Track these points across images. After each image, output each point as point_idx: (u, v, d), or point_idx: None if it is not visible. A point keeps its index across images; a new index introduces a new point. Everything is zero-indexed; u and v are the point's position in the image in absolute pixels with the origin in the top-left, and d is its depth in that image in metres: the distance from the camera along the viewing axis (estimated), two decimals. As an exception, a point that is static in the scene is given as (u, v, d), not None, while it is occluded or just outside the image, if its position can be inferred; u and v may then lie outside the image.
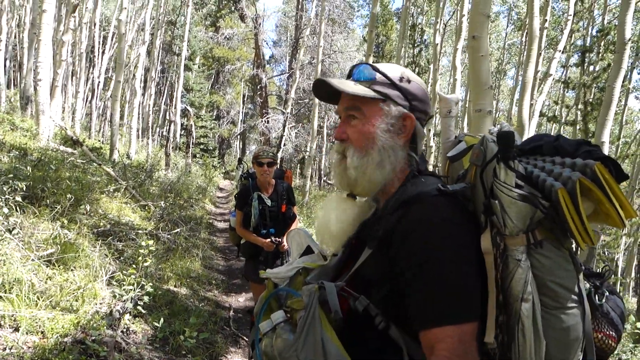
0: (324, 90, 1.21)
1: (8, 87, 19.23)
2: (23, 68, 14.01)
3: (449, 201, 1.04)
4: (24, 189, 4.42)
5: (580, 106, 13.51)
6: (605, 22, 14.41)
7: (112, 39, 20.65)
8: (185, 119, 20.66)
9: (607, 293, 1.16)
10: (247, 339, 4.27)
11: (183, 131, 24.15)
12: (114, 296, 3.77)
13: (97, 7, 18.98)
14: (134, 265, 4.25)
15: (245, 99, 34.09)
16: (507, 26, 24.45)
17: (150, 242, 4.56)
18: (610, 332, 1.12)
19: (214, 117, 30.54)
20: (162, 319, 3.83)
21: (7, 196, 4.12)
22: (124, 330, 3.50)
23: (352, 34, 28.90)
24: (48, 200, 4.88)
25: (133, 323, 3.70)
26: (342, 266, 1.22)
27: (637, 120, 29.07)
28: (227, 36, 23.35)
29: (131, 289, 3.79)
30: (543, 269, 0.94)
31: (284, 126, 18.20)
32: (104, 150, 12.32)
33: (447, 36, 20.09)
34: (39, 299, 3.23)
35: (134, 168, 10.82)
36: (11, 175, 4.55)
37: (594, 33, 15.16)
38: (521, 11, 20.81)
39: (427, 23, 21.41)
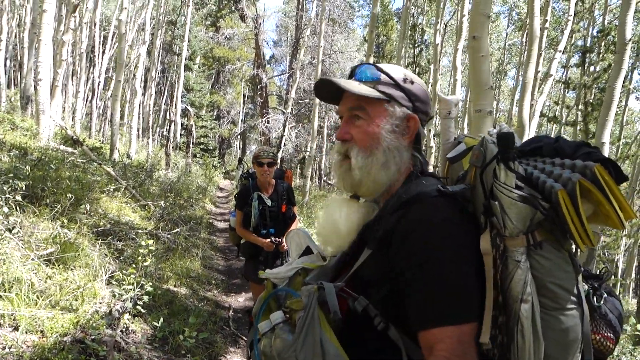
0: (326, 90, 1.21)
1: (8, 86, 19.23)
2: (23, 68, 14.01)
3: (449, 202, 1.04)
4: (24, 188, 4.42)
5: (580, 107, 13.51)
6: (606, 22, 14.42)
7: (112, 39, 20.67)
8: (186, 118, 20.66)
9: (605, 295, 1.16)
10: (246, 339, 4.27)
11: (183, 131, 24.14)
12: (114, 296, 3.77)
13: (98, 7, 18.98)
14: (133, 265, 4.25)
15: (246, 99, 34.10)
16: (508, 26, 24.48)
17: (150, 241, 4.56)
18: (608, 334, 1.12)
19: (214, 117, 30.54)
20: (161, 319, 3.83)
21: (7, 195, 4.12)
22: (124, 329, 3.50)
23: (353, 34, 28.91)
24: (48, 200, 4.88)
25: (132, 322, 3.70)
26: (342, 267, 1.22)
27: (637, 121, 29.07)
28: (228, 36, 23.35)
29: (131, 289, 3.79)
30: (542, 270, 0.94)
31: (284, 126, 18.20)
32: (104, 149, 12.32)
33: (447, 36, 20.10)
34: (38, 298, 3.23)
35: (134, 168, 10.82)
36: (11, 175, 4.55)
37: (595, 33, 15.16)
38: (522, 11, 20.81)
39: (427, 23, 21.41)
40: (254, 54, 21.74)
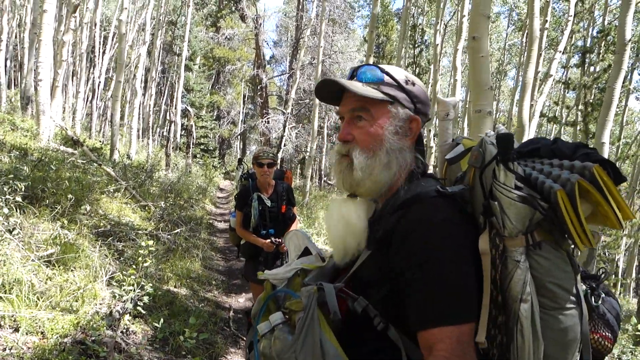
0: (327, 91, 1.21)
1: (9, 87, 19.24)
2: (24, 68, 14.01)
3: (448, 202, 1.05)
4: (24, 189, 4.42)
5: (580, 107, 13.52)
6: (606, 23, 14.42)
7: (112, 39, 20.69)
8: (186, 119, 20.65)
9: (603, 295, 1.17)
10: (246, 340, 4.27)
11: (183, 131, 24.13)
12: (114, 296, 3.77)
13: (98, 7, 19.00)
14: (134, 266, 4.25)
15: (246, 99, 34.09)
16: (508, 27, 24.47)
17: (150, 242, 4.56)
18: (607, 334, 1.13)
19: (215, 117, 30.52)
20: (162, 320, 3.83)
21: (7, 196, 4.12)
22: (124, 330, 3.50)
23: (353, 35, 28.90)
24: (48, 201, 4.88)
25: (133, 323, 3.70)
26: (340, 267, 1.22)
27: (637, 121, 29.06)
28: (228, 36, 23.36)
29: (131, 290, 3.79)
30: (542, 270, 0.94)
31: (285, 126, 18.19)
32: (104, 150, 12.32)
33: (447, 37, 20.10)
34: (38, 299, 3.23)
35: (134, 168, 10.82)
36: (11, 176, 4.55)
37: (595, 34, 15.18)
38: (522, 12, 20.80)
39: (427, 23, 21.42)
40: (254, 54, 21.74)
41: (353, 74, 1.20)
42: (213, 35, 24.71)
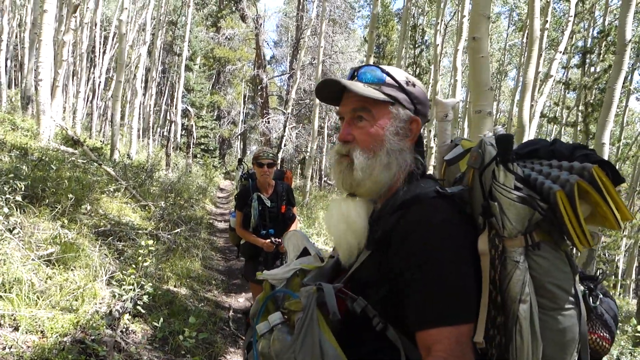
0: (328, 91, 1.21)
1: (9, 86, 19.25)
2: (24, 68, 14.02)
3: (448, 203, 1.05)
4: (23, 188, 4.42)
5: (581, 107, 13.52)
6: (606, 23, 14.42)
7: (113, 39, 20.68)
8: (186, 119, 20.66)
9: (601, 295, 1.17)
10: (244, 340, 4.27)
11: (184, 131, 24.15)
12: (114, 296, 3.77)
13: (98, 7, 19.01)
14: (133, 265, 4.25)
15: (246, 99, 34.10)
16: (508, 27, 24.46)
17: (150, 242, 4.57)
18: (604, 334, 1.13)
19: (215, 117, 30.54)
20: (161, 319, 3.83)
21: (7, 196, 4.12)
22: (124, 330, 3.50)
23: (353, 35, 28.91)
24: (48, 200, 4.88)
25: (132, 323, 3.70)
26: (339, 268, 1.22)
27: (638, 121, 29.04)
28: (228, 36, 23.35)
29: (131, 289, 3.79)
30: (541, 271, 0.95)
31: (285, 126, 18.19)
32: (104, 150, 12.32)
33: (448, 37, 20.10)
34: (38, 298, 3.23)
35: (135, 168, 10.82)
36: (12, 175, 4.56)
37: (595, 34, 15.17)
38: (522, 12, 20.80)
39: (428, 24, 21.43)
40: (255, 55, 21.75)
41: (353, 75, 1.20)
42: (213, 35, 24.71)
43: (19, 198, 4.21)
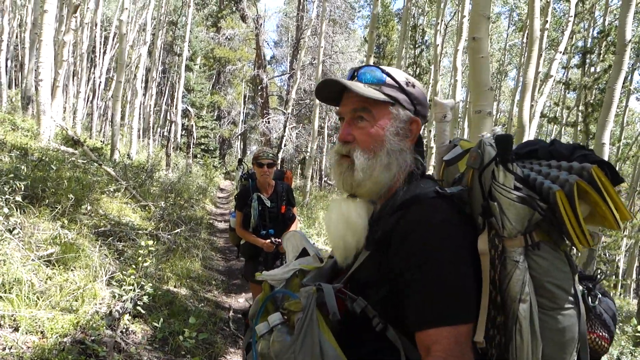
0: (327, 91, 1.22)
1: (9, 87, 19.26)
2: (24, 68, 14.02)
3: (447, 203, 1.05)
4: (22, 189, 4.42)
5: (581, 107, 13.53)
6: (606, 23, 14.42)
7: (113, 39, 20.70)
8: (186, 119, 20.66)
9: (599, 295, 1.17)
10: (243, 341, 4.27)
11: (184, 131, 24.15)
12: (114, 296, 3.77)
13: (99, 7, 19.02)
14: (133, 266, 4.25)
15: (246, 99, 34.11)
16: (508, 27, 24.46)
17: (150, 242, 4.56)
18: (603, 334, 1.14)
19: (215, 117, 30.55)
20: (161, 319, 3.83)
21: (7, 196, 4.12)
22: (124, 330, 3.50)
23: (353, 35, 28.90)
24: (48, 200, 4.88)
25: (132, 323, 3.70)
26: (338, 268, 1.22)
27: (638, 121, 29.03)
28: (228, 36, 23.36)
29: (131, 289, 3.79)
30: (540, 270, 0.95)
31: (285, 127, 18.20)
32: (104, 150, 12.33)
33: (448, 37, 20.11)
34: (38, 299, 3.23)
35: (135, 168, 10.82)
36: (12, 175, 4.56)
37: (595, 34, 15.17)
38: (522, 12, 20.80)
39: (428, 24, 21.43)
40: (255, 55, 21.76)
41: (353, 75, 1.20)
42: (214, 36, 24.73)
43: (19, 198, 4.21)
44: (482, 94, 3.56)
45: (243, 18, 22.16)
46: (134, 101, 15.90)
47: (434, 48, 14.66)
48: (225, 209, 13.22)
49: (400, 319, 1.01)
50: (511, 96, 21.05)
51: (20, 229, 3.95)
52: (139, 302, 3.73)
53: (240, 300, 5.62)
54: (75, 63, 17.79)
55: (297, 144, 21.31)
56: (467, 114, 15.83)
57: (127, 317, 3.61)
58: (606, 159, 6.58)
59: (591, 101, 12.79)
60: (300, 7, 21.38)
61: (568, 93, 18.70)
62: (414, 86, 1.19)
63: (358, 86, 1.14)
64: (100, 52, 20.83)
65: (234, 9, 25.35)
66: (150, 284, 4.05)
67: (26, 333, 2.89)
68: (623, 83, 6.12)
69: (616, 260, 18.13)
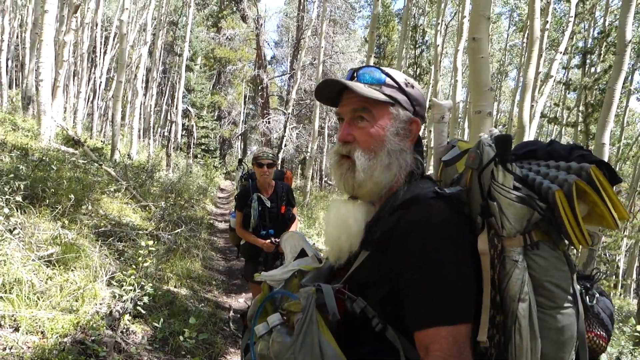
0: (327, 91, 1.22)
1: (10, 87, 19.28)
2: (25, 68, 14.04)
3: (447, 203, 1.05)
4: (22, 188, 4.42)
5: (581, 108, 13.53)
6: (607, 23, 14.42)
7: (113, 40, 20.72)
8: (187, 119, 20.65)
9: (597, 294, 1.18)
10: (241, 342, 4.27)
11: (184, 131, 24.15)
12: (114, 296, 3.77)
13: (99, 7, 19.04)
14: (134, 266, 4.26)
15: (247, 99, 34.11)
16: (509, 27, 24.46)
17: (151, 242, 4.57)
18: (601, 332, 1.14)
19: (216, 117, 30.54)
20: (161, 320, 3.83)
21: (8, 196, 4.13)
22: (124, 330, 3.50)
23: (354, 35, 28.90)
24: (49, 201, 4.89)
25: (133, 323, 3.70)
26: (337, 269, 1.23)
27: (638, 122, 29.02)
28: (229, 37, 23.38)
29: (131, 290, 3.79)
30: (539, 270, 0.95)
31: (285, 127, 18.19)
32: (105, 150, 12.33)
33: (448, 37, 20.09)
34: (39, 299, 3.24)
35: (135, 168, 10.83)
36: (12, 175, 4.56)
37: (595, 35, 15.17)
38: (523, 12, 20.80)
39: (428, 24, 21.43)
40: (255, 55, 21.77)
41: (353, 75, 1.20)
42: (214, 36, 24.75)
43: (19, 198, 4.22)
44: (482, 94, 3.57)
45: (243, 18, 22.18)
46: (135, 101, 15.92)
47: (434, 48, 14.65)
48: (225, 209, 13.23)
49: (399, 319, 1.01)
50: (511, 96, 21.05)
51: (21, 229, 3.95)
52: (139, 303, 3.73)
53: (241, 301, 5.62)
54: (75, 63, 17.82)
55: (297, 144, 21.32)
56: (467, 114, 15.83)
57: (127, 317, 3.61)
58: (606, 159, 6.58)
59: (591, 101, 12.79)
60: (301, 7, 21.38)
61: (568, 93, 18.70)
62: (412, 87, 1.19)
63: (359, 86, 1.14)
64: (100, 52, 20.86)
65: (234, 9, 25.37)
66: (151, 284, 4.05)
67: (26, 333, 2.90)
68: (623, 83, 6.12)
69: (616, 261, 18.10)
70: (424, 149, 1.24)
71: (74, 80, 17.99)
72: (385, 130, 1.15)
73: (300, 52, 18.93)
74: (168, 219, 7.16)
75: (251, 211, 3.77)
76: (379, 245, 1.07)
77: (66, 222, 4.69)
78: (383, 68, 1.19)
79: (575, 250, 1.00)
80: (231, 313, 5.00)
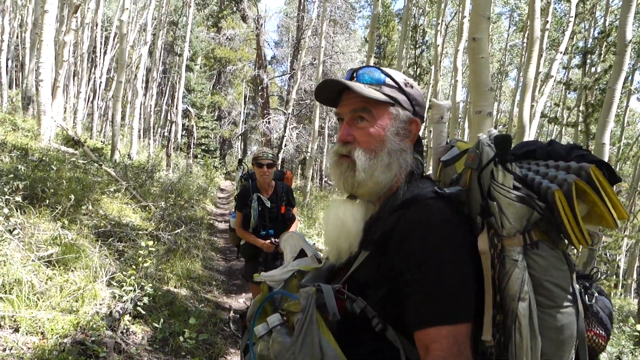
0: (327, 91, 1.22)
1: (10, 87, 19.29)
2: (25, 68, 14.04)
3: (446, 203, 1.06)
4: (22, 188, 4.42)
5: (581, 108, 13.53)
6: (607, 23, 14.41)
7: (113, 40, 20.73)
8: (187, 119, 20.66)
9: (596, 294, 1.18)
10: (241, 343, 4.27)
11: (184, 132, 24.15)
12: (114, 297, 3.77)
13: (99, 7, 19.04)
14: (134, 266, 4.25)
15: (247, 99, 34.12)
16: (509, 27, 24.46)
17: (151, 242, 4.56)
18: (600, 332, 1.15)
19: (216, 117, 30.54)
20: (161, 320, 3.83)
21: (7, 196, 4.12)
22: (124, 331, 3.50)
23: (354, 35, 28.90)
24: (49, 201, 4.89)
25: (133, 324, 3.70)
26: (336, 269, 1.22)
27: (638, 122, 29.02)
28: (229, 37, 23.39)
29: (131, 290, 3.79)
30: (539, 269, 0.96)
31: (285, 127, 18.19)
32: (105, 150, 12.34)
33: (448, 37, 20.08)
34: (39, 299, 3.23)
35: (135, 168, 10.83)
36: (12, 176, 4.56)
37: (596, 35, 15.17)
38: (523, 12, 20.80)
39: (428, 24, 21.43)
40: (255, 55, 21.77)
41: (353, 76, 1.20)
42: (214, 36, 24.76)
43: (19, 199, 4.22)
44: (482, 95, 3.56)
45: (244, 18, 22.18)
46: (135, 101, 15.91)
47: (434, 48, 14.66)
48: (225, 209, 13.22)
49: (399, 318, 1.01)
50: (512, 96, 21.04)
51: (21, 230, 3.95)
52: (139, 303, 3.73)
53: (241, 301, 5.62)
54: (75, 63, 17.82)
55: (297, 144, 21.32)
56: (467, 114, 15.82)
57: (127, 317, 3.61)
58: (606, 159, 6.58)
59: (592, 101, 12.79)
60: (301, 7, 21.38)
61: (569, 93, 18.71)
62: (412, 87, 1.20)
63: (359, 86, 1.14)
64: (100, 52, 20.86)
65: (234, 9, 25.38)
66: (151, 285, 4.05)
67: (26, 334, 2.90)
68: (623, 83, 6.12)
69: (617, 260, 18.10)
70: (424, 149, 1.24)
71: (74, 81, 18.00)
72: (385, 130, 1.15)
73: (300, 52, 18.93)
74: (168, 219, 7.16)
75: (251, 211, 3.77)
76: (378, 245, 1.07)
77: (66, 222, 4.69)
78: (383, 68, 1.19)
79: (575, 249, 0.99)
80: (231, 313, 5.00)
